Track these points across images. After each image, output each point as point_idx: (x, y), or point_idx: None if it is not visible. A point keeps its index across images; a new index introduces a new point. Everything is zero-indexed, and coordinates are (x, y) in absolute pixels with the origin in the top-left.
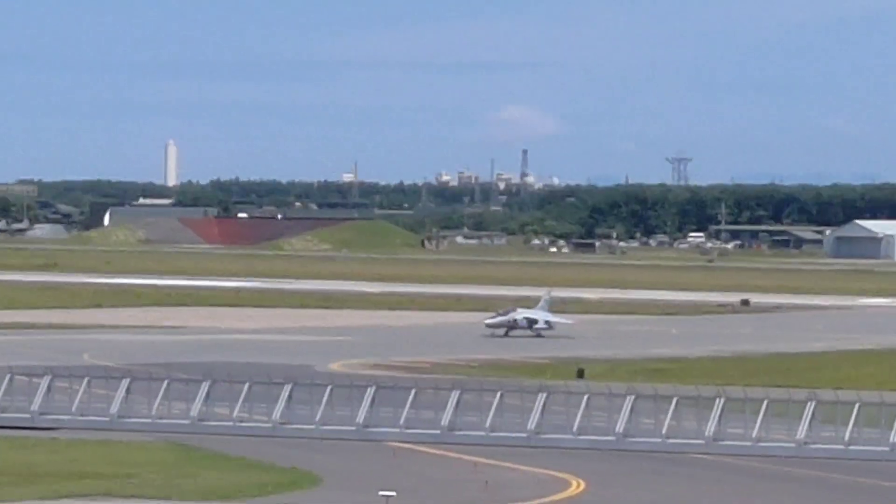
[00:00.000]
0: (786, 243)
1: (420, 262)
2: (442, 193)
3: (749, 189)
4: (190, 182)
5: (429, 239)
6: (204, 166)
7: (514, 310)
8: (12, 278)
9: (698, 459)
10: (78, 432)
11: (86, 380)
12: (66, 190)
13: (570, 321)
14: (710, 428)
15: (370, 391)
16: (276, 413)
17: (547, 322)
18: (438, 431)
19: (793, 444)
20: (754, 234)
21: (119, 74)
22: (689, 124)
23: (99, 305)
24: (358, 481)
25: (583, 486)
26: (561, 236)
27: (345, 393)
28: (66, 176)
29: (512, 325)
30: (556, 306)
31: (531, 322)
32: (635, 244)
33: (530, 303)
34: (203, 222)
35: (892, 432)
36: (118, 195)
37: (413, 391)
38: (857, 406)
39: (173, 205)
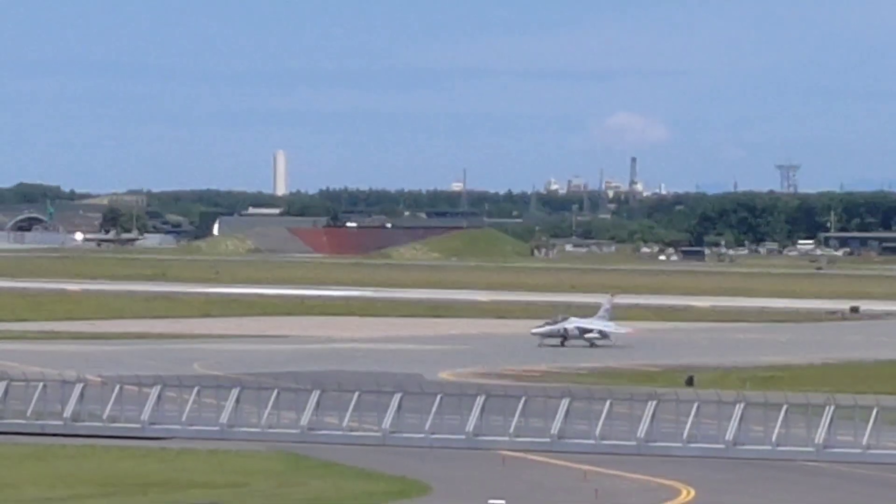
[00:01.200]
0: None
1: (529, 270)
2: (551, 201)
3: (858, 196)
4: (299, 191)
5: (538, 247)
6: (313, 176)
7: (566, 318)
8: (122, 288)
9: (808, 467)
10: (188, 441)
11: (196, 389)
12: (176, 200)
13: (626, 330)
14: (820, 435)
15: (480, 400)
16: (386, 422)
17: (600, 332)
18: (548, 439)
19: None
20: (863, 242)
21: (229, 84)
22: (799, 131)
23: (208, 315)
24: (467, 490)
25: (692, 494)
26: (670, 244)
27: (454, 402)
28: (176, 186)
29: (563, 335)
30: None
31: (583, 331)
32: (744, 252)
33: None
34: (312, 232)
35: None
36: (227, 205)
37: (523, 399)
38: None
39: (282, 214)
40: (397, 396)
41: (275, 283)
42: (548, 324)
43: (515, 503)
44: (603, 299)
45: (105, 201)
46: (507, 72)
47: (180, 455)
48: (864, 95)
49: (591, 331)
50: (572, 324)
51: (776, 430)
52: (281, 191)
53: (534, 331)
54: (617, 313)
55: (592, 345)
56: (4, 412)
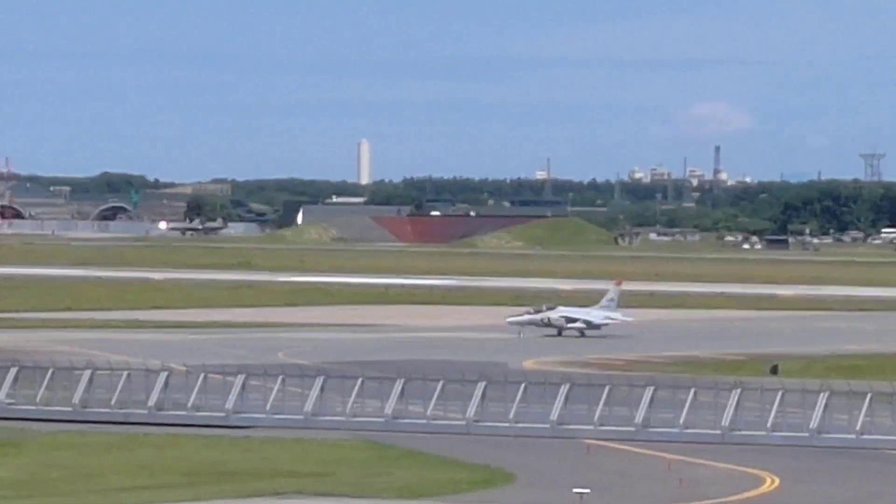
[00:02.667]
0: None
1: (613, 259)
2: (635, 190)
3: None
4: (383, 180)
5: (622, 236)
6: (397, 164)
7: (552, 307)
8: (207, 277)
9: (893, 456)
10: (272, 430)
11: (280, 378)
12: (260, 189)
13: (628, 318)
14: None
15: (564, 388)
16: (470, 411)
17: (587, 322)
18: (632, 428)
19: None
20: None
21: (314, 73)
22: (883, 119)
23: (293, 304)
24: (551, 479)
25: (777, 482)
26: (754, 233)
27: (539, 390)
28: (260, 175)
29: (547, 324)
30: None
31: (569, 321)
32: (829, 240)
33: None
34: (396, 220)
35: None
36: (311, 194)
37: (607, 388)
38: None
39: (366, 203)
40: (481, 385)
41: (359, 271)
42: (528, 312)
43: (599, 492)
44: (609, 287)
45: (189, 190)
46: (591, 60)
47: (264, 444)
48: None
49: (576, 320)
50: (559, 313)
51: (860, 419)
52: (365, 180)
53: (510, 319)
54: (700, 301)
55: (581, 334)
56: (89, 401)
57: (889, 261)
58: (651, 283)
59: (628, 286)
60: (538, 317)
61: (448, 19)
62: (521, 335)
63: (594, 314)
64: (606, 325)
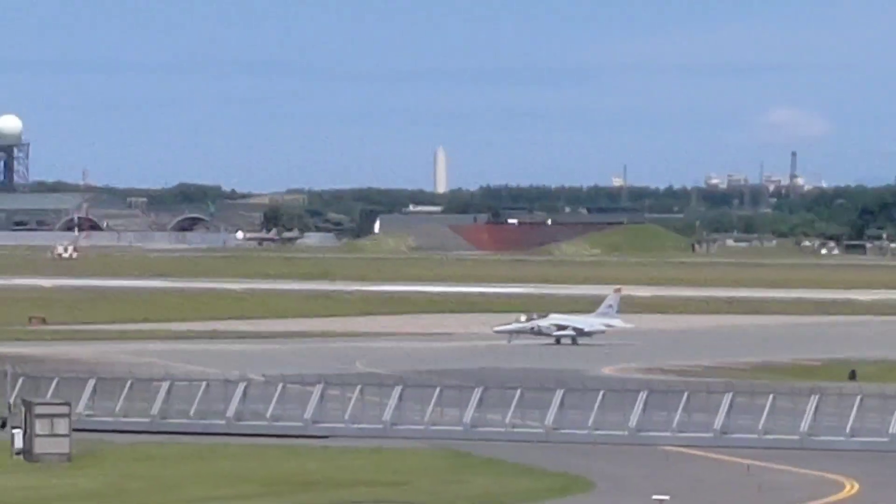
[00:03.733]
0: None
1: (690, 265)
2: (711, 196)
3: None
4: (459, 188)
5: (699, 242)
6: (473, 172)
7: (544, 315)
8: (284, 287)
9: None
10: (350, 440)
11: (358, 387)
12: (337, 198)
13: (628, 325)
14: None
15: (642, 395)
16: (549, 418)
17: (577, 329)
18: (711, 435)
19: None
20: None
21: (390, 82)
22: None
23: (371, 313)
24: (631, 486)
25: (856, 487)
26: (831, 238)
27: (617, 397)
28: (337, 184)
29: (538, 332)
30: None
31: (560, 328)
32: None
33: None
34: (473, 228)
35: None
36: (388, 203)
37: (685, 395)
38: None
39: (443, 211)
40: (560, 393)
41: (436, 280)
42: (517, 320)
43: (679, 499)
44: (609, 294)
45: (266, 200)
46: (666, 67)
47: (343, 453)
48: None
49: (566, 328)
50: (550, 320)
51: None
52: (441, 188)
53: (496, 328)
54: (778, 307)
55: (574, 342)
56: (168, 412)
57: None
58: (729, 289)
59: (707, 292)
60: (528, 325)
61: (524, 26)
62: (511, 342)
63: (589, 322)
64: (601, 332)
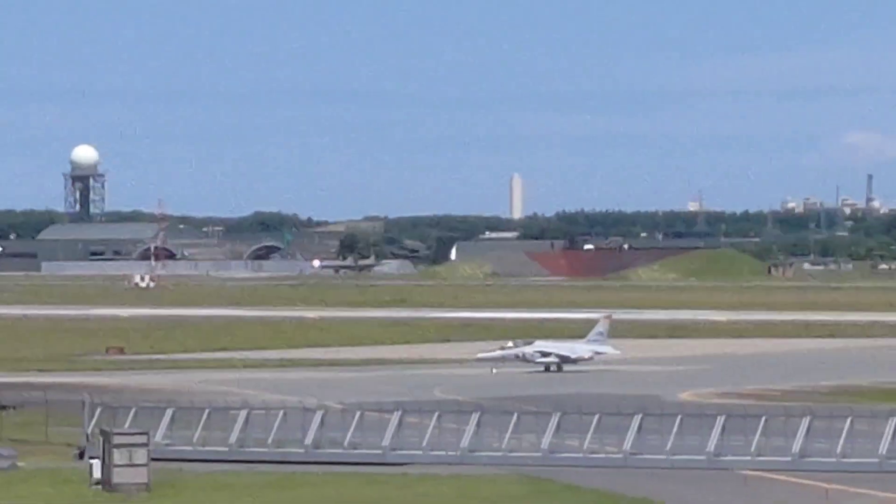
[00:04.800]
0: None
1: (767, 289)
2: (787, 220)
3: None
4: (535, 214)
5: (775, 266)
6: (549, 198)
7: (530, 342)
8: (361, 315)
9: None
10: (429, 467)
11: (436, 414)
12: (413, 225)
13: (616, 352)
14: None
15: (720, 420)
16: (627, 443)
17: (561, 356)
18: (789, 458)
19: None
20: None
21: (465, 109)
22: None
23: (448, 340)
24: None
25: None
26: None
27: (695, 422)
28: (413, 211)
29: (523, 359)
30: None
31: (544, 355)
32: None
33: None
34: (549, 255)
35: None
36: (464, 229)
37: (763, 419)
38: None
39: (519, 238)
40: (637, 418)
41: (513, 306)
42: (501, 348)
43: None
44: (599, 320)
45: (342, 228)
46: (742, 91)
47: (421, 480)
48: None
49: (549, 354)
50: (534, 347)
51: None
52: (517, 214)
53: (480, 356)
54: (853, 330)
55: (559, 369)
56: (246, 441)
57: None
58: (805, 312)
59: (784, 316)
60: (512, 352)
61: (600, 52)
62: (495, 371)
63: (575, 348)
64: (587, 359)
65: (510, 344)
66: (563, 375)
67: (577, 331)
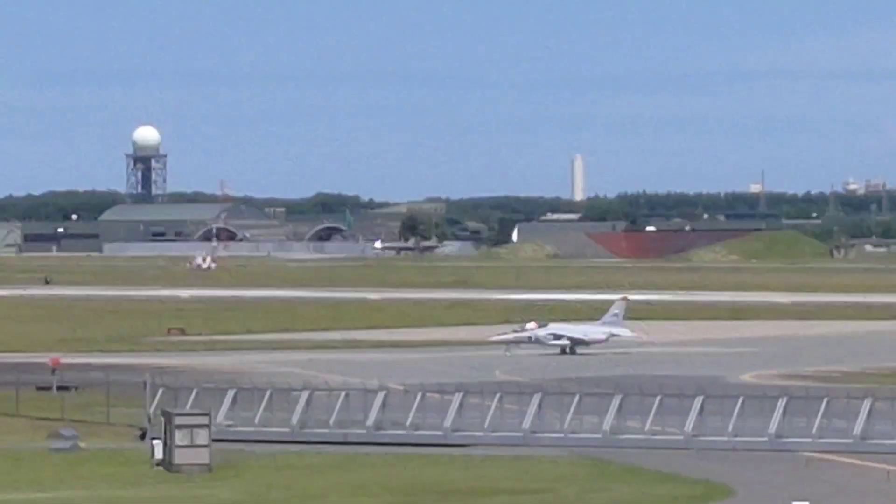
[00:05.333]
0: None
1: (829, 271)
2: (849, 201)
3: None
4: (597, 196)
5: (837, 248)
6: (611, 180)
7: (544, 324)
8: (423, 296)
9: None
10: (490, 448)
11: (497, 395)
12: (474, 207)
13: (632, 334)
14: None
15: (782, 401)
16: (689, 425)
17: (573, 339)
18: (851, 440)
19: None
20: None
21: (526, 90)
22: None
23: (509, 321)
24: (771, 492)
25: None
26: None
27: (756, 404)
28: (475, 193)
29: (533, 341)
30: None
31: (556, 337)
32: None
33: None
34: (611, 236)
35: None
36: (526, 211)
37: (825, 400)
38: None
39: (580, 219)
40: (699, 399)
41: (575, 288)
42: (515, 331)
43: None
44: (615, 301)
45: (404, 209)
46: (804, 72)
47: (483, 462)
48: None
49: (562, 337)
50: (548, 329)
51: None
52: (579, 196)
53: (494, 338)
54: None
55: (572, 351)
56: (307, 422)
57: None
58: (867, 294)
59: (846, 298)
60: (524, 334)
61: (662, 33)
62: (510, 353)
63: (590, 331)
64: (601, 341)
65: (517, 327)
66: (625, 357)
67: (638, 312)
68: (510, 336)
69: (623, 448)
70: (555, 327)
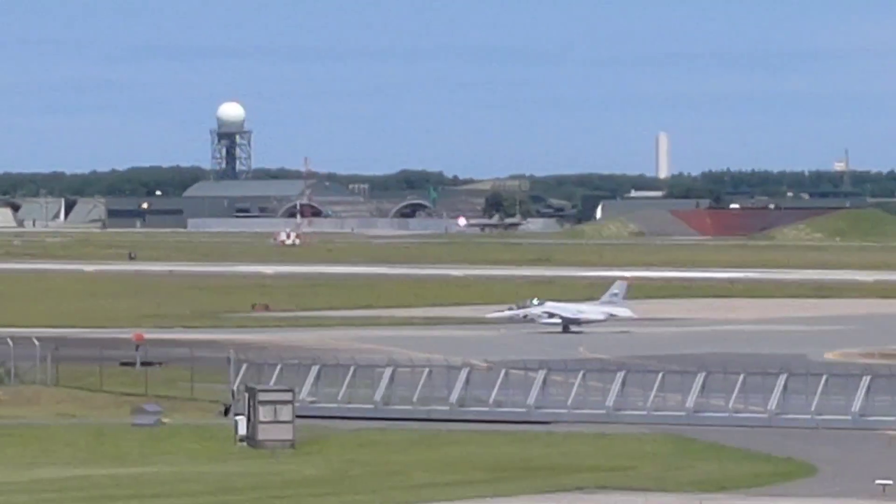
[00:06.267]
0: None
1: None
2: None
3: None
4: (681, 173)
5: None
6: (695, 157)
7: (542, 302)
8: (507, 273)
9: None
10: (573, 426)
11: (581, 373)
12: (558, 184)
13: (632, 314)
14: None
15: (865, 380)
16: (772, 403)
17: (564, 318)
18: None
19: None
20: None
21: (609, 66)
22: None
23: (592, 298)
24: (854, 470)
25: None
26: None
27: (840, 382)
28: (558, 170)
29: (527, 320)
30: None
31: (550, 316)
32: None
33: None
34: (695, 214)
35: None
36: (610, 188)
37: None
38: None
39: (664, 197)
40: (782, 377)
41: (659, 265)
42: (510, 308)
43: None
44: (616, 281)
45: (488, 186)
46: (889, 50)
47: (566, 439)
48: None
49: (554, 315)
50: (543, 308)
51: None
52: (663, 173)
53: (489, 315)
54: None
55: (565, 330)
56: (391, 398)
57: None
58: None
59: None
60: (520, 312)
61: (746, 11)
62: (503, 331)
63: (586, 310)
64: (598, 321)
65: (535, 301)
66: (709, 334)
67: (720, 290)
68: (506, 314)
69: (706, 426)
70: (550, 306)
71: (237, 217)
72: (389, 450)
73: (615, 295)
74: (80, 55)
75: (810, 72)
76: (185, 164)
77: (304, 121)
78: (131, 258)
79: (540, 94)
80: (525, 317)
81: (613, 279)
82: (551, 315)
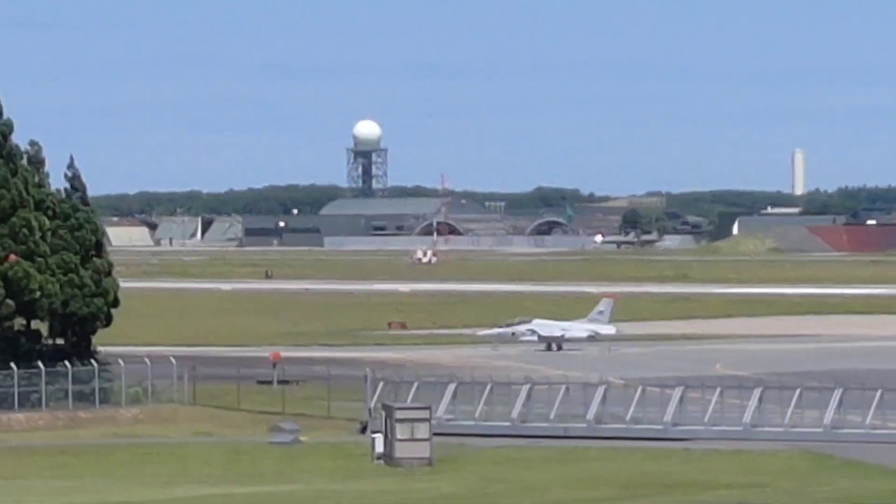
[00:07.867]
0: None
1: None
2: None
3: None
4: (817, 190)
5: None
6: (831, 173)
7: (527, 320)
8: (644, 290)
9: None
10: (710, 442)
11: (718, 390)
12: (695, 200)
13: (612, 330)
14: None
15: None
16: None
17: (545, 336)
18: None
19: None
20: None
21: (746, 83)
22: None
23: (730, 315)
24: None
25: None
26: None
27: None
28: (694, 186)
29: (514, 338)
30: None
31: (533, 334)
32: None
33: None
34: (831, 230)
35: None
36: (746, 205)
37: None
38: None
39: (801, 213)
40: None
41: (796, 282)
42: (497, 326)
43: None
44: (601, 299)
45: (624, 203)
46: None
47: (704, 456)
48: None
49: (535, 333)
50: (528, 326)
51: None
52: (799, 190)
53: (480, 333)
54: None
55: (547, 348)
56: (528, 416)
57: None
58: None
59: None
60: (508, 330)
61: (882, 24)
62: (495, 349)
63: (572, 328)
64: (585, 339)
65: (505, 322)
66: (847, 350)
67: (860, 306)
68: (495, 331)
69: (844, 442)
70: (537, 323)
71: (374, 235)
72: (526, 467)
73: (601, 313)
74: (216, 74)
75: None
76: (321, 182)
77: (440, 138)
78: (268, 276)
79: (676, 111)
80: (513, 334)
81: (752, 295)
82: (533, 332)
